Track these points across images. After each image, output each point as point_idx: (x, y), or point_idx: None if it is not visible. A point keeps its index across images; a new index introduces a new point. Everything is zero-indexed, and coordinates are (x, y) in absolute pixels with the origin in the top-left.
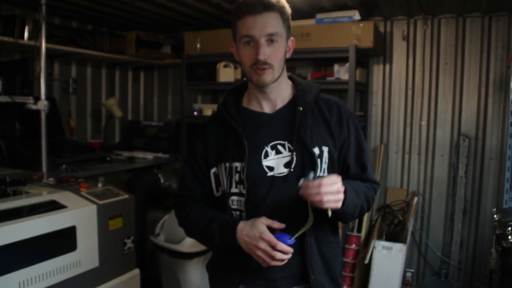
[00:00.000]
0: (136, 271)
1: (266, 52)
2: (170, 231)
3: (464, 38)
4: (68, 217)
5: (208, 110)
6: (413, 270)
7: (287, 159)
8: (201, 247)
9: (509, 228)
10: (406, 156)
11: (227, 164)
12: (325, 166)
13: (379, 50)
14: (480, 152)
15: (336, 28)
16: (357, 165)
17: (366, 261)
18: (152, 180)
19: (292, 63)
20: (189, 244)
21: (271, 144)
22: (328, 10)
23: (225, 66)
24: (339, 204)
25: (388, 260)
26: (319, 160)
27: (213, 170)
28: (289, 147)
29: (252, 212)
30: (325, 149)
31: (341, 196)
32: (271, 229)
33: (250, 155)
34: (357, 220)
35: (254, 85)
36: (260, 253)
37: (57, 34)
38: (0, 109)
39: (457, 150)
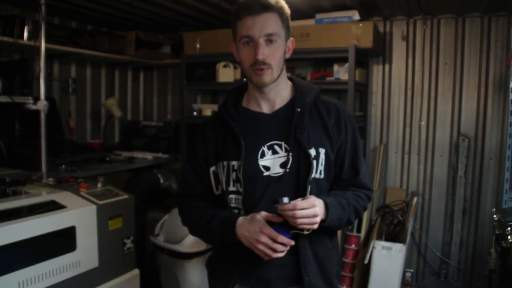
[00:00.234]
0: (136, 271)
1: (265, 52)
2: (169, 231)
3: (464, 38)
4: (67, 217)
5: (208, 110)
6: (412, 270)
7: (283, 159)
8: (200, 248)
9: (509, 228)
10: (406, 156)
11: (225, 163)
12: (321, 168)
13: (379, 50)
14: (480, 152)
15: (335, 28)
16: (350, 169)
17: (366, 261)
18: (151, 180)
19: (291, 63)
20: (188, 244)
21: (268, 144)
22: (327, 10)
23: (224, 66)
24: (315, 226)
25: (387, 260)
26: (314, 162)
27: (212, 168)
28: (285, 148)
29: (249, 210)
30: (322, 151)
31: (317, 220)
32: (269, 223)
33: (247, 154)
34: (356, 220)
35: (253, 85)
36: (261, 247)
37: (56, 34)
38: (0, 109)
39: (456, 150)
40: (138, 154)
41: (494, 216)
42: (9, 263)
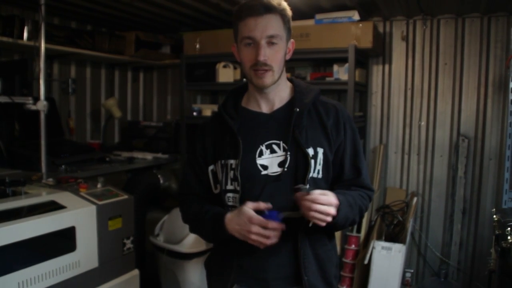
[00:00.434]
0: (136, 272)
1: (266, 54)
2: (169, 232)
3: (463, 39)
4: (67, 218)
5: (208, 110)
6: (412, 271)
7: (281, 159)
8: (200, 248)
9: (509, 229)
10: (406, 157)
11: (223, 162)
12: (319, 167)
13: (379, 51)
14: (480, 152)
15: (335, 29)
16: (352, 169)
17: (366, 262)
18: (151, 181)
19: (291, 64)
20: (188, 245)
21: (266, 143)
22: (327, 11)
23: (224, 66)
24: (323, 224)
25: (387, 261)
26: (312, 161)
27: (210, 167)
28: (283, 147)
29: None
30: (320, 151)
31: (328, 219)
32: (259, 213)
33: (245, 153)
34: None
35: (253, 86)
36: (254, 237)
37: (56, 34)
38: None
39: (456, 151)
40: (138, 155)
41: (494, 216)
42: (9, 264)
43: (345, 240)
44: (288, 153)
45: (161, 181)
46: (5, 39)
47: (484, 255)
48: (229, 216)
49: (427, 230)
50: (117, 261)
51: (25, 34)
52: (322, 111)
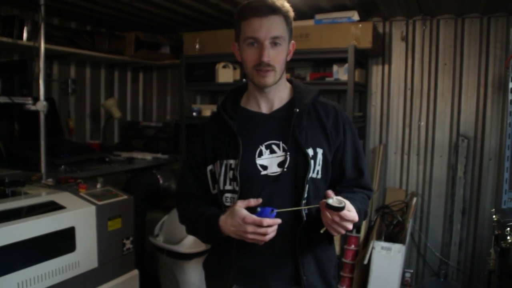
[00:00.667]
0: (135, 272)
1: (270, 55)
2: (169, 232)
3: (463, 39)
4: (67, 218)
5: (207, 110)
6: (412, 271)
7: (280, 159)
8: (200, 248)
9: (508, 229)
10: (405, 157)
11: (223, 162)
12: (319, 168)
13: (378, 51)
14: (479, 152)
15: (335, 29)
16: (354, 170)
17: (365, 262)
18: (151, 181)
19: (291, 64)
20: (188, 245)
21: (266, 143)
22: (327, 11)
23: (224, 66)
24: (336, 234)
25: (387, 261)
26: (312, 161)
27: (209, 167)
28: (283, 147)
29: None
30: (320, 151)
31: (342, 231)
32: (251, 210)
33: (245, 153)
34: None
35: (254, 86)
36: (251, 236)
37: (56, 34)
38: None
39: (456, 151)
40: (138, 155)
41: (494, 216)
42: (8, 264)
43: (345, 240)
44: (288, 153)
45: (161, 182)
46: (4, 39)
47: (484, 255)
48: (222, 218)
49: (427, 230)
50: (117, 262)
51: (25, 35)
52: (321, 112)
